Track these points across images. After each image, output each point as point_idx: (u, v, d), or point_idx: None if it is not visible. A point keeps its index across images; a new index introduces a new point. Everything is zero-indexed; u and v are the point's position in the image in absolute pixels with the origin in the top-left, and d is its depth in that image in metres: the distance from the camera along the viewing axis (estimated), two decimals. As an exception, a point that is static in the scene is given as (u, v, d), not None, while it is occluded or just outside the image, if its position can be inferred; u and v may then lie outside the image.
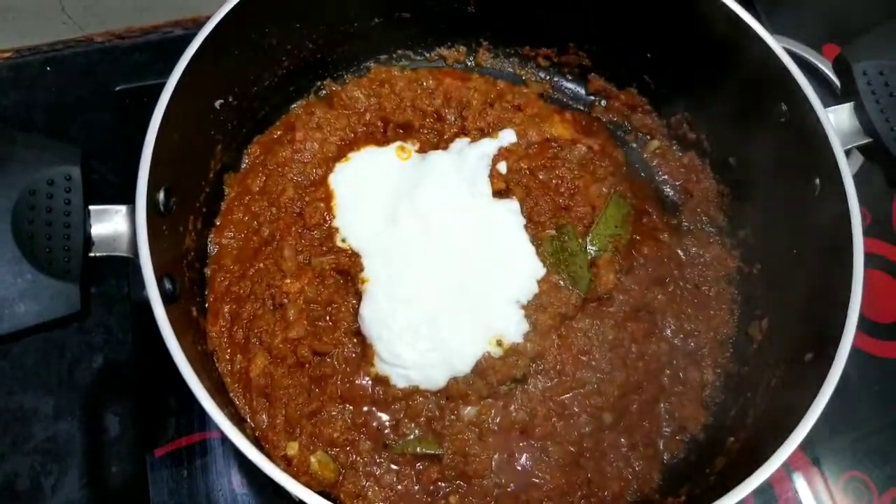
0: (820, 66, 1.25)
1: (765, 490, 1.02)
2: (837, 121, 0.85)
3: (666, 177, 1.09)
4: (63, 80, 1.20)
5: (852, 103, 0.87)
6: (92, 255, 0.76)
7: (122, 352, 1.05)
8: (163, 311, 0.72)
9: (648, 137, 1.12)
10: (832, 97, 1.05)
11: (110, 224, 0.76)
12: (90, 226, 0.76)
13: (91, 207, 0.76)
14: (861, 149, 0.88)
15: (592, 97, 1.14)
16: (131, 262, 0.75)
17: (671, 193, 1.08)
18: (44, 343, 1.05)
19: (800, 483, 1.02)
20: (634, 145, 1.12)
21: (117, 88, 1.16)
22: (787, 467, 1.03)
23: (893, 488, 1.03)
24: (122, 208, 0.77)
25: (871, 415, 1.07)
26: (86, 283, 0.74)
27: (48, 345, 1.05)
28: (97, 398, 1.02)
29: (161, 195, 0.80)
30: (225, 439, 0.92)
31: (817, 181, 0.84)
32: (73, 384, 1.02)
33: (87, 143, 1.14)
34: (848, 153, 0.83)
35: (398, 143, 1.03)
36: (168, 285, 0.78)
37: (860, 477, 1.04)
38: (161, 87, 0.80)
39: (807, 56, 1.25)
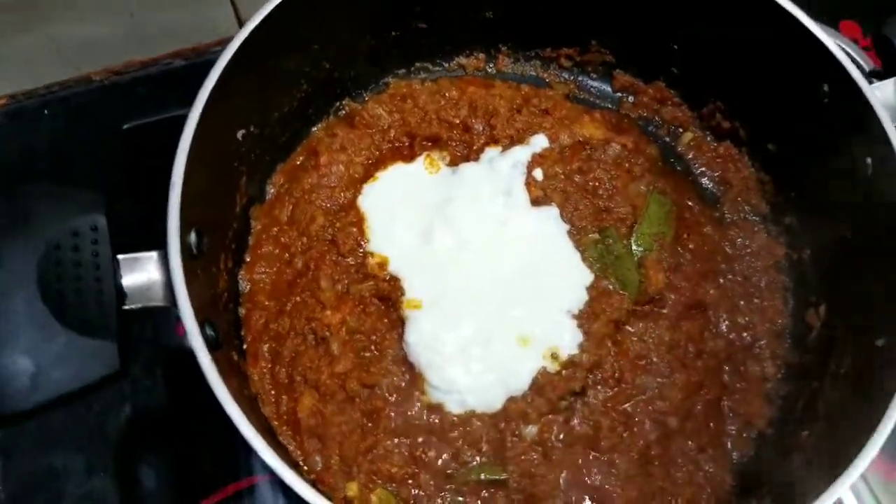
0: (841, 44, 1.23)
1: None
2: (884, 97, 0.83)
3: (703, 169, 1.06)
4: (64, 122, 1.15)
5: (896, 78, 0.85)
6: (126, 307, 0.71)
7: (151, 399, 1.00)
8: (209, 360, 0.67)
9: (681, 130, 1.09)
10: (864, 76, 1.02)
11: (143, 273, 0.72)
12: (121, 276, 0.71)
13: (120, 257, 0.72)
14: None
15: (620, 94, 1.11)
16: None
17: (710, 185, 1.06)
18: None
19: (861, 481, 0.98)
20: (667, 139, 1.09)
21: (125, 126, 1.12)
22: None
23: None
24: (154, 255, 0.72)
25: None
26: (122, 338, 0.69)
27: (73, 398, 1.00)
28: (130, 450, 0.97)
29: (193, 237, 0.75)
30: (274, 481, 0.88)
31: (868, 161, 0.82)
32: (104, 437, 0.97)
33: (96, 186, 1.09)
34: (897, 130, 0.81)
35: (426, 154, 0.99)
36: (210, 332, 0.74)
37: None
38: (171, 120, 0.77)
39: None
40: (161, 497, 0.94)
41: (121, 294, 0.71)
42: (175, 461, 0.95)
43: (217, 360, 0.70)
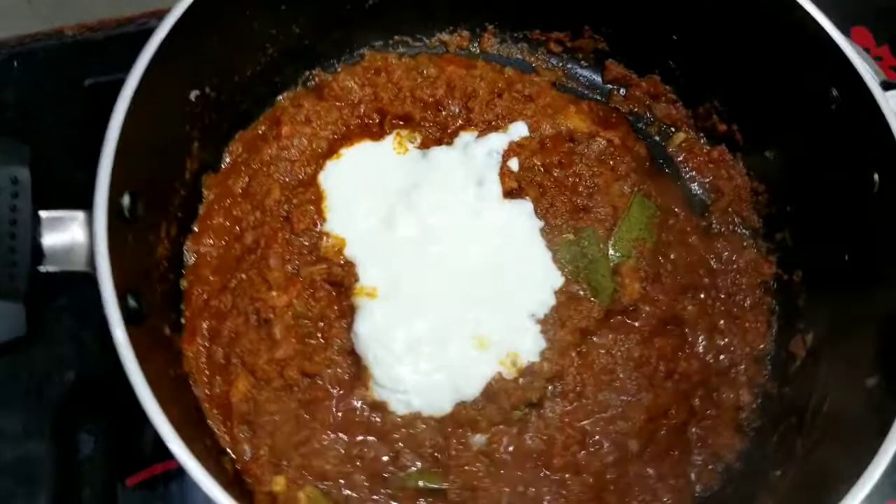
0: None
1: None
2: (898, 107, 0.75)
3: (693, 173, 0.99)
4: (32, 75, 1.12)
5: (913, 87, 0.77)
6: (42, 269, 0.66)
7: (96, 366, 0.96)
8: (124, 334, 0.62)
9: (673, 130, 1.02)
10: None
11: (65, 233, 0.67)
12: (41, 235, 0.66)
13: (42, 214, 0.66)
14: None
15: (610, 86, 1.04)
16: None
17: (699, 192, 0.99)
18: (11, 358, 0.96)
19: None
20: (658, 138, 1.02)
21: (88, 83, 1.07)
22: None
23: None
24: (80, 215, 0.67)
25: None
26: (33, 301, 0.64)
27: (16, 359, 0.96)
28: (69, 416, 0.93)
29: (126, 200, 0.70)
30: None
31: (876, 177, 0.75)
32: (44, 401, 0.93)
33: (58, 142, 1.05)
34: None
35: (395, 133, 0.93)
36: (132, 303, 0.68)
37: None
38: (134, 78, 0.71)
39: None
40: (96, 467, 0.90)
41: (38, 254, 0.66)
42: (113, 434, 0.91)
43: (137, 335, 0.64)
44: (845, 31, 1.16)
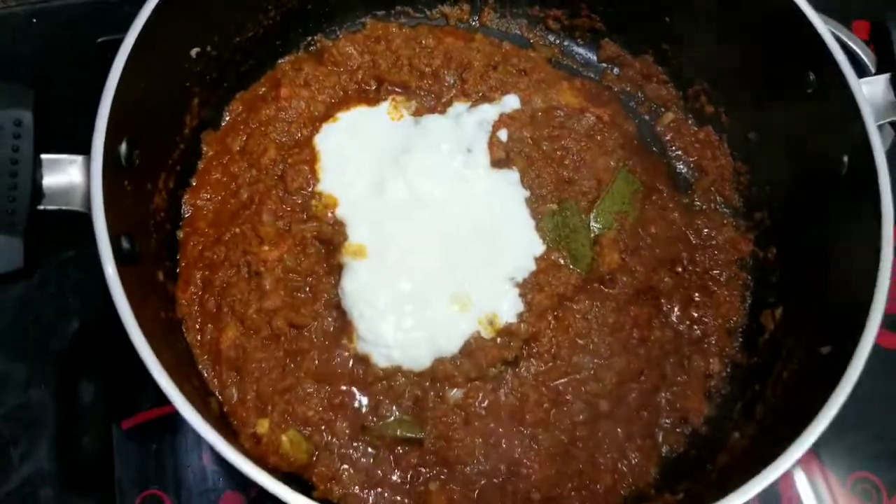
0: (849, 42, 1.16)
1: (767, 489, 0.96)
2: (871, 93, 0.78)
3: (679, 152, 1.02)
4: (50, 32, 1.14)
5: (889, 74, 0.79)
6: (41, 207, 0.69)
7: (100, 316, 0.98)
8: (115, 271, 0.66)
9: (663, 109, 1.04)
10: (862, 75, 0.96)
11: (64, 175, 0.70)
12: (41, 176, 0.69)
13: (43, 156, 0.70)
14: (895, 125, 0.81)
15: (604, 64, 1.07)
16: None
17: (684, 170, 1.01)
18: (17, 306, 0.98)
19: (804, 482, 0.96)
20: (647, 117, 1.04)
21: (100, 40, 1.10)
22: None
23: (903, 491, 0.97)
24: (78, 158, 0.70)
25: (881, 412, 1.00)
26: (31, 237, 0.67)
27: (22, 308, 0.99)
28: (72, 365, 0.96)
29: (123, 147, 0.73)
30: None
31: (845, 159, 0.77)
32: (48, 349, 0.96)
33: (67, 94, 1.06)
34: (880, 129, 0.76)
35: (391, 98, 0.96)
36: (126, 245, 0.72)
37: (869, 478, 0.98)
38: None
39: (835, 31, 1.15)
40: (95, 413, 0.93)
41: (38, 193, 0.69)
42: (113, 381, 0.94)
43: (130, 275, 0.68)
44: (847, 24, 1.17)
